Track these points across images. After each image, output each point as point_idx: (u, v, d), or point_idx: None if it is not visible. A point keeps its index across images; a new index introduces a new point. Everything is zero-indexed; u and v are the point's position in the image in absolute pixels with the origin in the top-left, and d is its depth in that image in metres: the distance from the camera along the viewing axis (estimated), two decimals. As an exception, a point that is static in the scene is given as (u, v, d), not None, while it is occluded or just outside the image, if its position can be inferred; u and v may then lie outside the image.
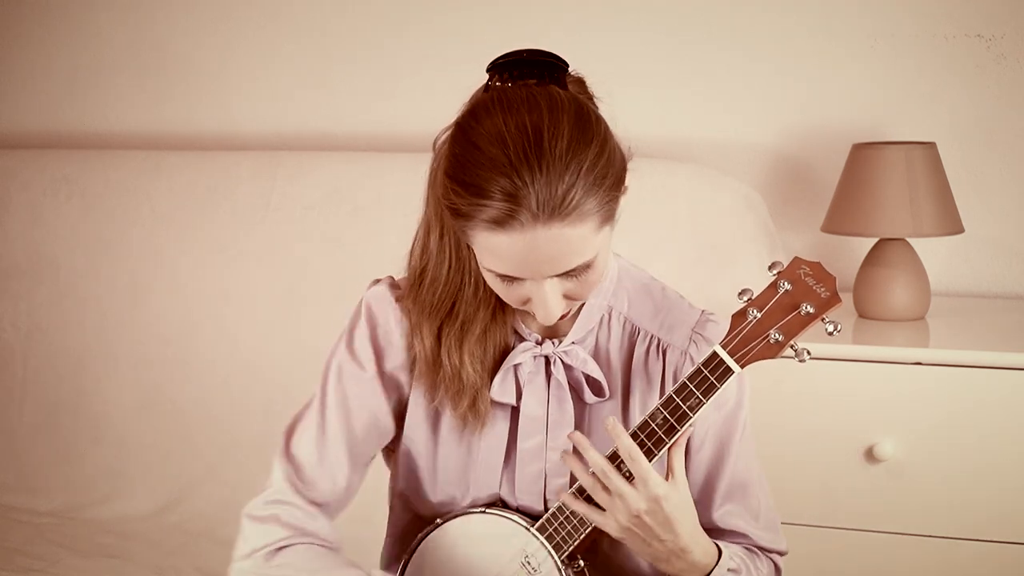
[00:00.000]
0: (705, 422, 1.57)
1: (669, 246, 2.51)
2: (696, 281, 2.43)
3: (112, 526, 2.62)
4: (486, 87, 1.47)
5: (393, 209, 2.66)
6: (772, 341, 1.44)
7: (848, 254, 2.72)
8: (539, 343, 1.56)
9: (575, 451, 1.50)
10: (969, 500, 2.30)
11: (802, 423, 2.36)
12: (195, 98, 3.08)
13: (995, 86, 2.66)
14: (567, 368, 1.56)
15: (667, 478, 1.47)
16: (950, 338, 2.41)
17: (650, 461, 1.46)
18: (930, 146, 2.48)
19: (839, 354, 2.35)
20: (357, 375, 1.58)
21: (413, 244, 1.55)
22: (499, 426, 1.57)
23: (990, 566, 2.30)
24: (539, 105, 1.38)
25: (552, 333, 1.57)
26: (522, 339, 1.57)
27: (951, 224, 2.47)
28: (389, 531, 1.69)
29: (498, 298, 1.51)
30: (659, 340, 1.57)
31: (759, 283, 1.50)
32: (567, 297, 1.44)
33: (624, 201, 1.45)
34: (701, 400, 1.46)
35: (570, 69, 1.48)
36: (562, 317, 1.46)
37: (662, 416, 1.46)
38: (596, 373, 1.55)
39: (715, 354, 1.45)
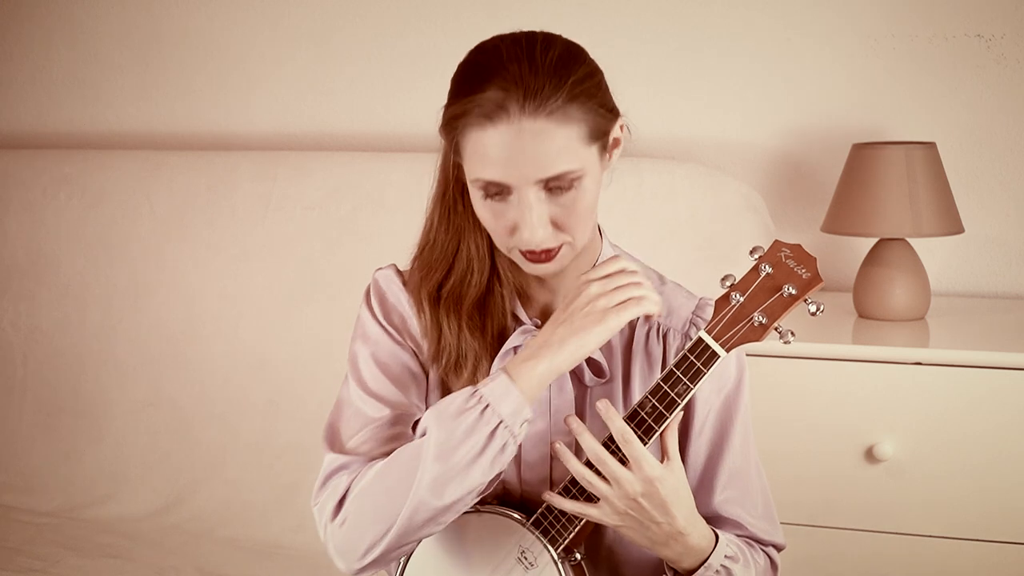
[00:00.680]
0: (706, 405, 1.58)
1: (669, 246, 2.51)
2: (696, 281, 2.41)
3: (112, 526, 2.62)
4: None
5: (393, 209, 2.66)
6: (756, 324, 1.45)
7: (848, 254, 2.72)
8: (538, 327, 1.56)
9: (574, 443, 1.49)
10: (969, 500, 2.30)
11: (802, 423, 2.36)
12: (195, 98, 3.08)
13: (995, 86, 2.66)
14: None
15: (662, 461, 1.48)
16: (950, 338, 2.41)
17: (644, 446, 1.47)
18: (930, 146, 2.48)
19: (839, 354, 2.35)
20: (379, 338, 1.59)
21: (419, 234, 1.59)
22: None
23: (990, 566, 2.29)
24: (535, 32, 1.50)
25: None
26: (520, 323, 1.57)
27: (951, 224, 2.47)
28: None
29: (493, 269, 1.54)
30: (659, 323, 1.59)
31: (758, 283, 1.50)
32: (554, 225, 1.45)
33: (617, 154, 1.50)
34: (689, 386, 1.46)
35: None
36: (548, 255, 1.46)
37: (651, 404, 1.47)
38: (596, 354, 1.56)
39: (700, 339, 1.46)
